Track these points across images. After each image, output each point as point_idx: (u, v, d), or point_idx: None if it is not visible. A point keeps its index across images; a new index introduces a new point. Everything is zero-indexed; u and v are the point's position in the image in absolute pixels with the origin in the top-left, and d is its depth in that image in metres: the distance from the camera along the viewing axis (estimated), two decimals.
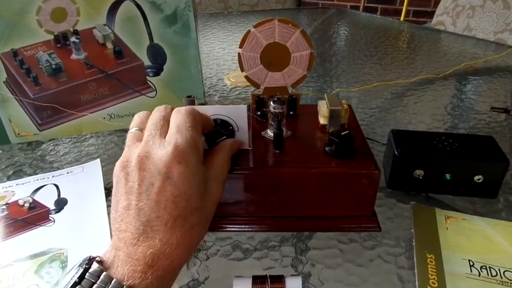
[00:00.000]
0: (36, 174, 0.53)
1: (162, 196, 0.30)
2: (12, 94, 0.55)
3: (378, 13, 2.44)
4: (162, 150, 0.31)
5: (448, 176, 0.45)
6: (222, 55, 0.94)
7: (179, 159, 0.31)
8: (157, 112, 0.36)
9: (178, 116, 0.34)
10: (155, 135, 0.33)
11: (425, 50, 0.98)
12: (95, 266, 0.27)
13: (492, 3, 1.32)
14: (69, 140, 0.61)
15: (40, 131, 0.59)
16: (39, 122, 0.58)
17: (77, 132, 0.61)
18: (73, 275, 0.27)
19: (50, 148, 0.59)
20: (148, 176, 0.31)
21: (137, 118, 0.37)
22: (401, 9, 2.07)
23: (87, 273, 0.27)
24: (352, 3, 2.46)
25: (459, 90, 0.76)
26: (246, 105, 0.40)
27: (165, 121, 0.35)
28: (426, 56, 0.93)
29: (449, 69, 0.83)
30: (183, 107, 0.35)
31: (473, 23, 1.35)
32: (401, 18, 2.07)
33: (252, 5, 1.62)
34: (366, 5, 2.34)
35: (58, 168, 0.54)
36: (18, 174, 0.54)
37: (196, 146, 0.33)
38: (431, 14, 1.69)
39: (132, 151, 0.33)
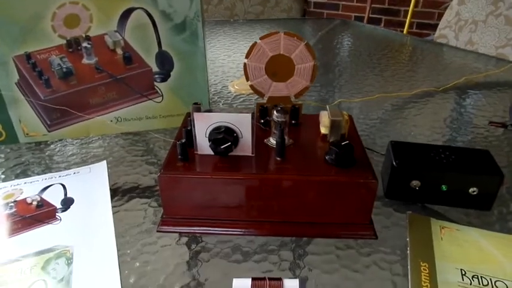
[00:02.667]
0: (44, 173, 0.54)
1: None
2: (23, 95, 0.57)
3: (382, 24, 2.47)
4: None
5: (444, 187, 0.47)
6: (228, 62, 0.96)
7: None
8: None
9: None
10: None
11: (427, 63, 0.99)
12: None
13: (494, 18, 1.34)
14: (76, 141, 0.62)
15: (49, 131, 0.61)
16: (49, 122, 0.60)
17: (84, 134, 0.62)
18: None
19: (58, 149, 0.61)
20: None
21: None
22: (405, 21, 2.10)
23: None
24: (356, 14, 2.49)
25: (458, 103, 0.78)
26: (250, 114, 0.41)
27: None
28: (428, 69, 0.95)
29: (450, 83, 0.84)
30: None
31: (476, 37, 1.37)
32: (405, 30, 2.09)
33: (257, 13, 1.64)
34: (370, 16, 2.36)
35: (65, 169, 0.55)
36: (26, 173, 0.55)
37: None
38: (434, 27, 1.71)
39: None
